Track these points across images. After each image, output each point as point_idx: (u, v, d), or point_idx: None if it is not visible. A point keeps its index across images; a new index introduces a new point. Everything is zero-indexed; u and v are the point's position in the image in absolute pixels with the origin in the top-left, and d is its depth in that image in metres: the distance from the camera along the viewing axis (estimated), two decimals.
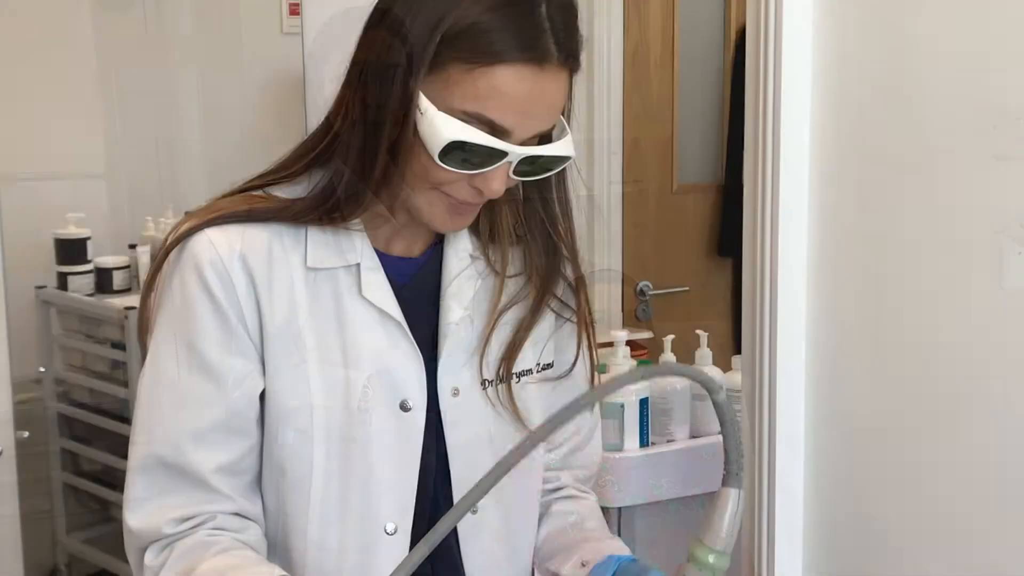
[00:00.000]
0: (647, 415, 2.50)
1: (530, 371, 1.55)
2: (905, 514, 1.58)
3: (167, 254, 1.45)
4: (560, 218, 1.53)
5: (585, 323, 1.60)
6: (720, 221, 4.29)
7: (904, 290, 1.56)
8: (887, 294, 1.59)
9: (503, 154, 1.33)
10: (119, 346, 3.96)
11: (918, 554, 1.56)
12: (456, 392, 1.50)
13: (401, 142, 1.35)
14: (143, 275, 4.09)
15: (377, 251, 1.47)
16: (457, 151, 1.32)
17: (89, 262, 4.10)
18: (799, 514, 1.75)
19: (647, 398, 2.50)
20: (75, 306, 4.09)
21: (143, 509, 1.44)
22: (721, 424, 1.27)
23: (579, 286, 1.59)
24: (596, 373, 1.65)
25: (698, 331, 2.63)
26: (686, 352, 2.73)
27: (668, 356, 2.66)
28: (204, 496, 1.44)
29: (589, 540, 1.57)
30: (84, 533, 4.24)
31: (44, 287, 4.15)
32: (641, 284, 3.79)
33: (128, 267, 4.11)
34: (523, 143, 1.35)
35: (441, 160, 1.32)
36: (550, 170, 1.42)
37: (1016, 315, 1.44)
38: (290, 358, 1.44)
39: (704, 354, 2.66)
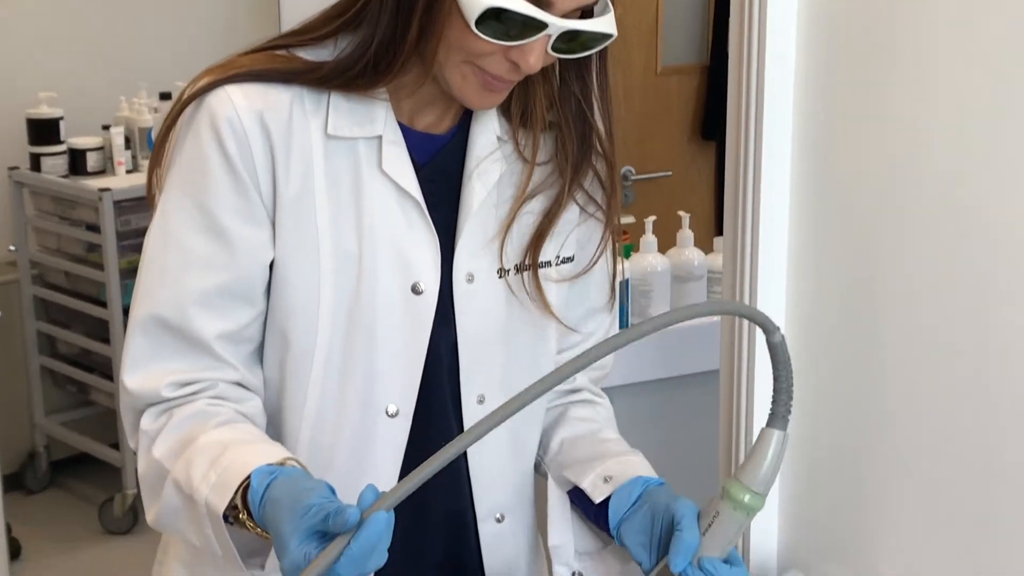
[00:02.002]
0: (628, 297, 2.48)
1: (549, 263, 1.50)
2: (884, 397, 1.57)
3: (183, 108, 1.38)
4: (598, 105, 1.46)
5: (612, 223, 1.54)
6: (704, 103, 4.26)
7: (896, 175, 1.53)
8: (873, 178, 1.56)
9: (543, 25, 1.28)
10: (94, 228, 3.93)
11: (894, 436, 1.55)
12: (471, 278, 1.45)
13: (437, 7, 1.29)
14: (117, 157, 4.04)
15: (401, 125, 1.41)
16: (495, 20, 1.27)
17: (62, 143, 4.03)
18: None
19: (627, 280, 2.48)
20: (49, 187, 4.04)
21: (142, 370, 1.39)
22: (774, 365, 1.25)
23: (612, 184, 1.53)
24: (616, 277, 1.60)
25: (680, 212, 2.61)
26: (668, 236, 2.71)
27: (650, 238, 2.62)
28: (206, 362, 1.40)
29: (611, 454, 1.53)
30: (62, 416, 4.25)
31: (17, 168, 4.09)
32: (624, 169, 3.76)
33: (102, 148, 4.04)
34: (564, 15, 1.29)
35: (478, 28, 1.26)
36: (590, 48, 1.36)
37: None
38: (302, 229, 1.39)
39: (686, 236, 2.64)
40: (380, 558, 1.15)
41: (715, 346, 1.80)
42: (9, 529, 3.58)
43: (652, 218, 2.64)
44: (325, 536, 1.15)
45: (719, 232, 2.54)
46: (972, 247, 1.41)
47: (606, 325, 1.64)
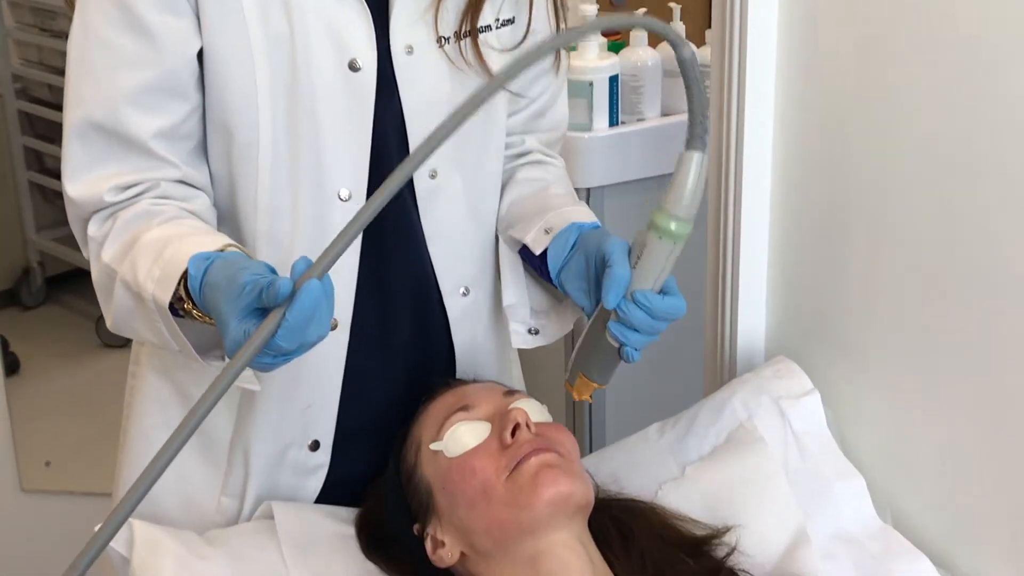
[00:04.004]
0: (617, 93, 2.43)
1: (489, 27, 1.47)
2: (871, 191, 1.56)
3: None
4: None
5: None
6: None
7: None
8: None
9: None
10: None
11: (876, 220, 1.55)
12: (410, 50, 1.43)
13: None
14: None
15: None
16: None
17: None
18: (766, 193, 1.72)
19: (617, 75, 2.43)
20: None
21: (82, 177, 1.38)
22: (685, 83, 1.20)
23: None
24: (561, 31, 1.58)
25: (671, 3, 2.55)
26: None
27: (639, 32, 2.57)
28: (145, 162, 1.38)
29: (554, 207, 1.53)
30: (54, 232, 4.23)
31: None
32: None
33: None
34: None
35: None
36: None
37: None
38: (227, 14, 1.35)
39: (677, 28, 2.58)
40: (321, 328, 1.15)
41: None
42: (7, 345, 3.61)
43: (642, 11, 2.58)
44: (264, 312, 1.14)
45: (709, 25, 2.49)
46: None
47: (553, 87, 1.62)
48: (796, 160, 1.67)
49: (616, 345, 1.39)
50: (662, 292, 1.36)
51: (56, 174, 4.53)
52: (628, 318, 1.35)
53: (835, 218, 1.62)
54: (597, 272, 1.40)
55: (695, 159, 1.29)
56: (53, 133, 4.08)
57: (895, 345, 1.58)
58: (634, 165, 2.44)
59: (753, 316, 1.76)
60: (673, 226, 1.32)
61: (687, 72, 1.20)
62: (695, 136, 1.28)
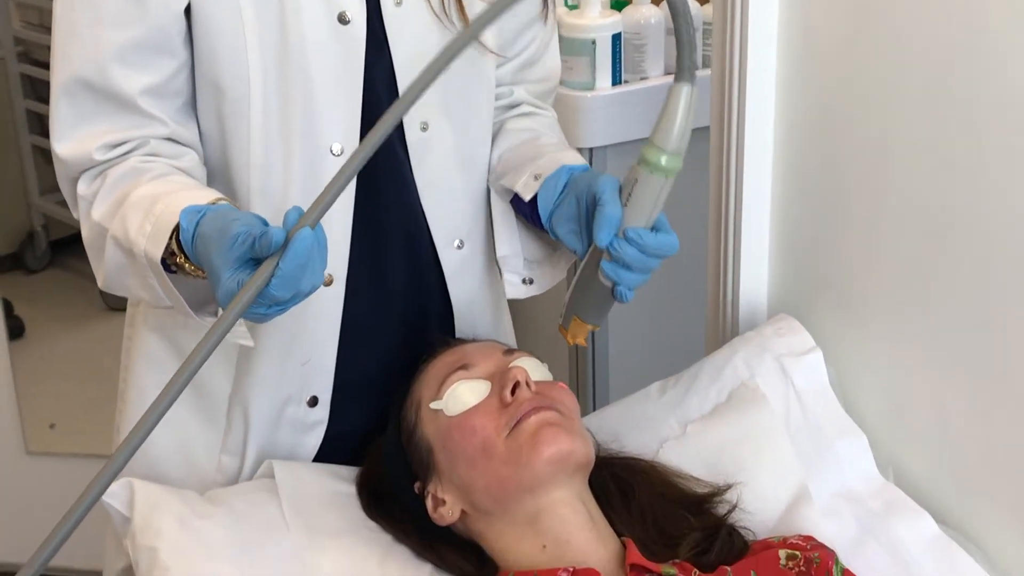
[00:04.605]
0: (619, 52, 2.42)
1: None
2: (873, 148, 1.55)
3: None
4: None
5: None
6: None
7: None
8: None
9: None
10: None
11: (879, 177, 1.54)
12: (399, 2, 1.42)
13: None
14: None
15: None
16: None
17: None
18: (768, 151, 1.71)
19: (619, 33, 2.42)
20: None
21: (71, 136, 1.37)
22: (673, 16, 1.20)
23: None
24: None
25: None
26: None
27: None
28: (134, 120, 1.37)
29: (544, 154, 1.52)
30: (57, 195, 4.17)
31: None
32: None
33: None
34: None
35: None
36: None
37: None
38: None
39: None
40: (315, 277, 1.15)
41: (704, 103, 1.77)
42: (11, 308, 3.61)
43: None
44: (256, 263, 1.14)
45: None
46: None
47: (542, 37, 1.61)
48: (798, 117, 1.66)
49: (609, 285, 1.38)
50: (654, 229, 1.36)
51: None
52: (620, 256, 1.35)
53: (837, 176, 1.61)
54: (588, 213, 1.39)
55: (684, 91, 1.28)
56: None
57: (897, 303, 1.57)
58: (637, 125, 2.42)
59: (755, 274, 1.75)
60: (663, 160, 1.31)
61: (674, 7, 1.19)
62: (683, 68, 1.27)
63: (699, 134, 1.90)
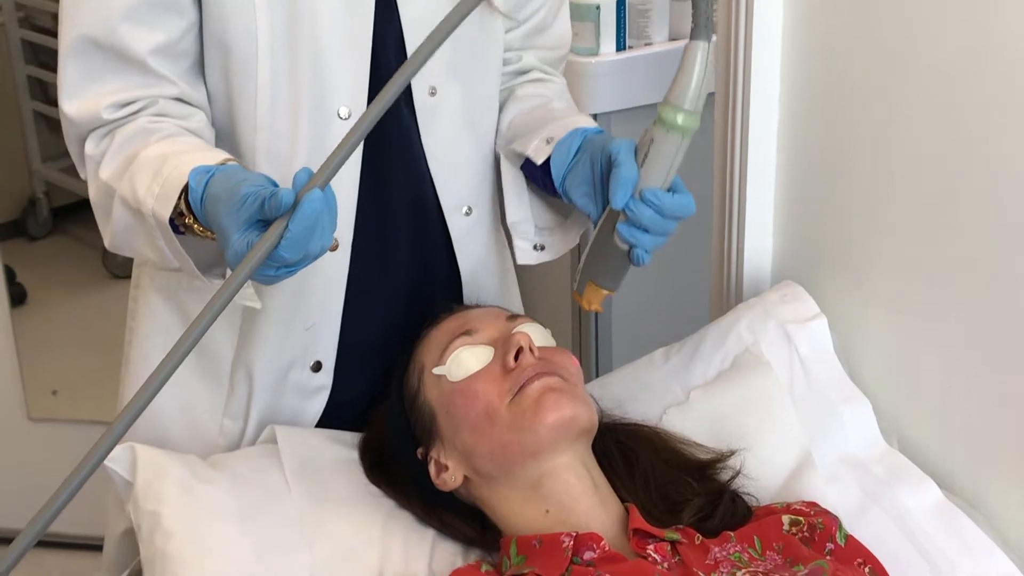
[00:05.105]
0: (624, 17, 2.40)
1: None
2: (877, 115, 1.54)
3: None
4: None
5: None
6: None
7: None
8: None
9: None
10: None
11: (883, 147, 1.53)
12: None
13: None
14: None
15: None
16: None
17: None
18: (774, 117, 1.70)
19: (624, 0, 2.41)
20: None
21: (79, 95, 1.37)
22: None
23: None
24: None
25: None
26: None
27: None
28: (143, 79, 1.37)
29: (555, 118, 1.51)
30: (59, 162, 4.20)
31: None
32: None
33: None
34: None
35: None
36: None
37: None
38: None
39: None
40: (324, 238, 1.15)
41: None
42: (14, 275, 3.60)
43: None
44: (265, 224, 1.13)
45: None
46: None
47: (552, 3, 1.60)
48: (803, 84, 1.65)
49: (625, 248, 1.37)
50: (670, 190, 1.35)
51: None
52: (637, 217, 1.33)
53: (842, 142, 1.60)
54: (603, 174, 1.38)
55: (700, 49, 1.27)
56: (56, 61, 4.06)
57: (902, 269, 1.56)
58: (641, 90, 2.41)
59: (760, 241, 1.75)
60: (680, 119, 1.30)
61: None
62: (699, 25, 1.26)
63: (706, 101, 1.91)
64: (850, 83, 1.57)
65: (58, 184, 4.18)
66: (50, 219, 4.26)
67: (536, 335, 1.45)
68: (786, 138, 1.69)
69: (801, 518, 1.38)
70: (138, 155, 1.33)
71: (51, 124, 4.18)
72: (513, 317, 1.49)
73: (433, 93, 1.48)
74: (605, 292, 1.43)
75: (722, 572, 1.32)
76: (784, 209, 1.72)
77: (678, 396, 1.62)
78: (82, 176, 1.42)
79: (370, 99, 1.42)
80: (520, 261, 1.57)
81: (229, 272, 1.22)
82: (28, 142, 4.16)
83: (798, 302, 1.65)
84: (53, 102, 4.51)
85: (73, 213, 4.28)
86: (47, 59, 4.09)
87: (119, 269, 3.95)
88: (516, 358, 1.40)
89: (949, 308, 1.51)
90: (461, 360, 1.42)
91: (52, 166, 4.19)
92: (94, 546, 1.68)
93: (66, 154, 4.37)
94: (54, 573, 2.84)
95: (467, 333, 1.45)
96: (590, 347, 2.53)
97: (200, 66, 1.42)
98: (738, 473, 1.47)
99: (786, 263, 1.74)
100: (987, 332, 1.46)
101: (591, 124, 1.49)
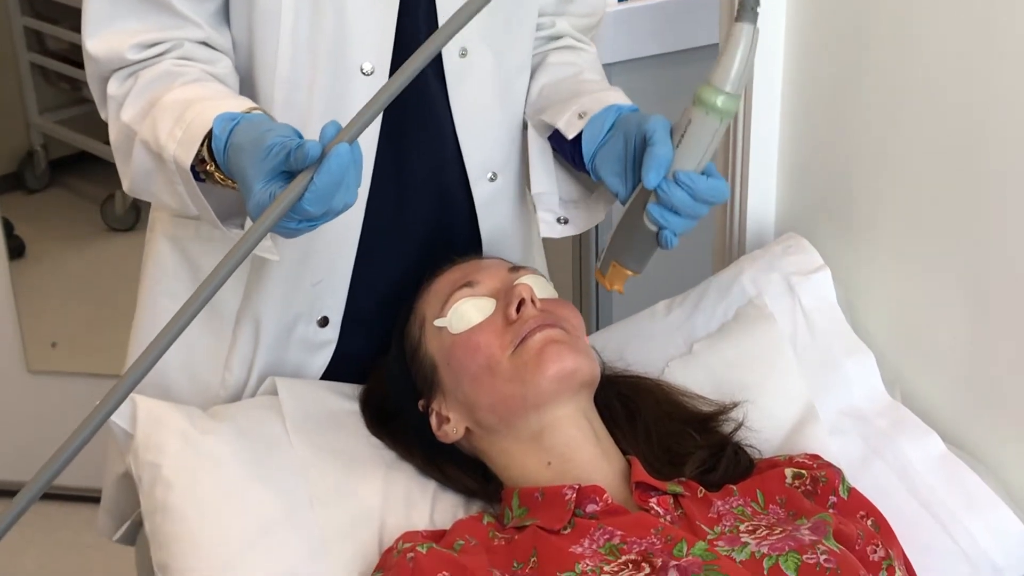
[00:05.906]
0: None
1: None
2: (882, 66, 1.52)
3: None
4: None
5: None
6: None
7: None
8: None
9: None
10: None
11: (886, 101, 1.52)
12: None
13: None
14: None
15: None
16: None
17: None
18: (778, 67, 1.68)
19: None
20: None
21: (103, 32, 1.35)
22: None
23: None
24: None
25: None
26: None
27: None
28: (169, 20, 1.35)
29: (588, 92, 1.48)
30: (57, 114, 4.18)
31: None
32: None
33: None
34: None
35: None
36: None
37: None
38: None
39: None
40: (348, 194, 1.13)
41: (714, 19, 1.74)
42: (12, 228, 3.59)
43: None
44: (290, 176, 1.11)
45: None
46: None
47: None
48: (808, 36, 1.63)
49: (654, 229, 1.33)
50: (704, 174, 1.32)
51: (58, 55, 4.47)
52: (669, 199, 1.30)
53: (846, 94, 1.59)
54: (636, 153, 1.35)
55: (745, 31, 1.24)
56: (54, 13, 4.02)
57: (905, 222, 1.55)
58: (644, 42, 2.39)
59: (763, 192, 1.74)
60: (720, 101, 1.27)
61: None
62: (746, 7, 1.23)
63: (708, 51, 1.89)
64: (857, 36, 1.55)
65: (56, 137, 4.16)
66: (48, 172, 4.25)
67: (538, 286, 1.44)
68: (790, 88, 1.68)
69: (804, 471, 1.38)
70: (161, 98, 1.31)
71: (49, 76, 4.15)
72: (515, 268, 1.48)
73: (464, 55, 1.45)
74: (629, 273, 1.40)
75: (725, 526, 1.32)
76: (788, 161, 1.71)
77: (680, 348, 1.61)
78: (102, 116, 1.39)
79: (395, 54, 1.39)
80: (544, 234, 1.54)
81: (249, 223, 1.20)
82: (25, 94, 4.13)
83: (802, 254, 1.64)
84: (51, 54, 4.50)
85: (71, 166, 4.26)
86: (44, 10, 4.06)
87: (117, 222, 3.95)
88: (518, 310, 1.39)
89: (953, 260, 1.50)
90: (462, 312, 1.41)
91: (50, 118, 4.17)
92: (95, 498, 1.68)
93: (64, 106, 4.35)
94: (56, 524, 2.85)
95: (468, 285, 1.44)
96: (591, 299, 2.52)
97: (225, 12, 1.39)
98: (741, 425, 1.47)
99: (790, 215, 1.73)
100: (991, 285, 1.46)
101: (625, 100, 1.46)
